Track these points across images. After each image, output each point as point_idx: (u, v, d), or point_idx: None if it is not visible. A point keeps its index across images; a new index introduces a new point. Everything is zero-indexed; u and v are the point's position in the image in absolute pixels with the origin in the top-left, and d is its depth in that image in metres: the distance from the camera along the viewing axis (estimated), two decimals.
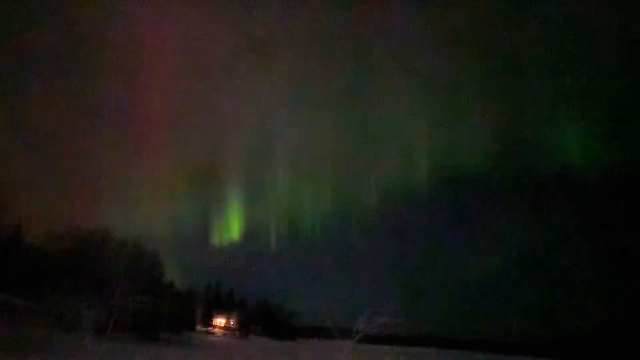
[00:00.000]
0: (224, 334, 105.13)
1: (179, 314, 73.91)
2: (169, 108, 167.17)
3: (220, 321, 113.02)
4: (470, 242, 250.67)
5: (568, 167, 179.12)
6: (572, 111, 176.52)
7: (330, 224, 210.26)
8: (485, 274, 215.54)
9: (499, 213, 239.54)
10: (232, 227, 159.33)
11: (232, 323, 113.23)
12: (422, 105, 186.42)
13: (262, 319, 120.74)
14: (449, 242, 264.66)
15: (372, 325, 12.36)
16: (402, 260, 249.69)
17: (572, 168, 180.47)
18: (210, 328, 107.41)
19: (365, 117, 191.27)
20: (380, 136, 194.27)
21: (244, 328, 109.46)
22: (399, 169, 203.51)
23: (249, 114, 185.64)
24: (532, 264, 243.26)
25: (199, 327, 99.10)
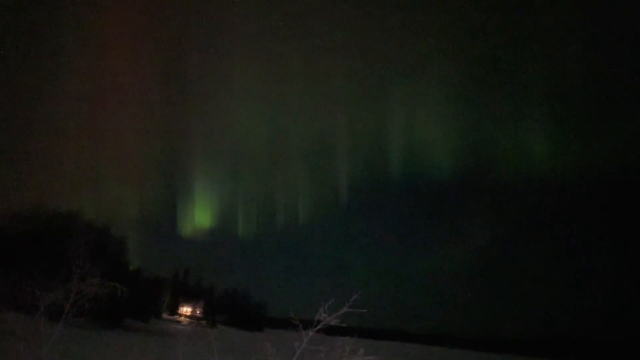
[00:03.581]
0: (191, 323, 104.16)
1: (144, 301, 72.76)
2: (139, 94, 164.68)
3: (187, 310, 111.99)
4: (439, 239, 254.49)
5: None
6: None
7: (301, 215, 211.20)
8: (452, 271, 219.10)
9: (466, 211, 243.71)
10: (202, 215, 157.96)
11: (198, 312, 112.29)
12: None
13: (230, 309, 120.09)
14: (418, 237, 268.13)
15: (334, 316, 12.14)
16: (372, 253, 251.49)
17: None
18: (176, 316, 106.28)
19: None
20: (346, 132, 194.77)
21: (211, 317, 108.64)
22: (370, 165, 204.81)
23: (221, 103, 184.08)
24: (498, 262, 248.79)
25: (165, 315, 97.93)
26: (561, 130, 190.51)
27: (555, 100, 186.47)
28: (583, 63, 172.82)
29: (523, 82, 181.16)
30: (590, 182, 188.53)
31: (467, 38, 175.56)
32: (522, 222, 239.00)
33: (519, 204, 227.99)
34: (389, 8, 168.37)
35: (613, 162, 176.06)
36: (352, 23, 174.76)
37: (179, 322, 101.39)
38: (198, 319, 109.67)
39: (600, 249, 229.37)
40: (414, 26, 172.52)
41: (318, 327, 11.81)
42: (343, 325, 12.03)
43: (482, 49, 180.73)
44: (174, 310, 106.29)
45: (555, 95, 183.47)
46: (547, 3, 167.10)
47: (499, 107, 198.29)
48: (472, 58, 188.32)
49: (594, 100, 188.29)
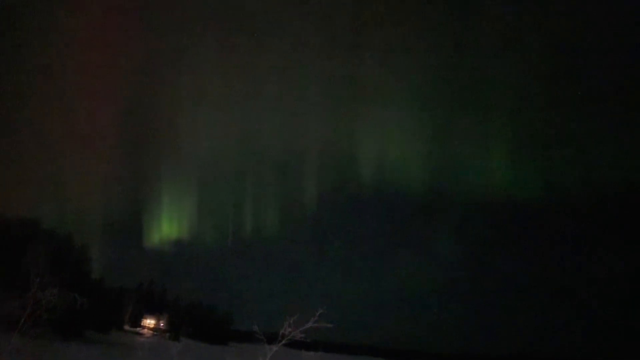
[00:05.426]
0: (153, 335, 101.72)
1: (106, 312, 70.86)
2: (106, 103, 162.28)
3: (150, 322, 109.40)
4: (407, 255, 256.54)
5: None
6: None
7: (268, 229, 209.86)
8: (420, 286, 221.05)
9: (435, 228, 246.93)
10: (168, 226, 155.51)
11: (162, 324, 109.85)
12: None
13: (194, 322, 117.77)
14: (385, 253, 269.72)
15: (299, 330, 12.14)
16: (340, 267, 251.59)
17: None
18: (139, 328, 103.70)
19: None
20: (317, 149, 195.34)
21: (174, 330, 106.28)
22: (339, 182, 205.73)
23: (190, 115, 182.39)
24: (465, 278, 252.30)
25: (127, 327, 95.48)
26: (525, 152, 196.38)
27: (520, 124, 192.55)
28: (547, 89, 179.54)
29: (490, 107, 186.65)
30: (553, 200, 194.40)
31: (438, 62, 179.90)
32: (488, 239, 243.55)
33: (485, 221, 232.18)
34: (362, 28, 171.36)
35: (576, 183, 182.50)
36: (325, 41, 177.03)
37: (141, 334, 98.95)
38: (161, 331, 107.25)
39: (566, 265, 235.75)
40: (386, 47, 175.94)
41: (282, 341, 11.79)
42: (307, 340, 12.03)
43: (453, 72, 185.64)
44: (136, 322, 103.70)
45: (520, 120, 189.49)
46: (515, 31, 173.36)
47: (467, 130, 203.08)
48: (443, 80, 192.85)
49: (557, 124, 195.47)
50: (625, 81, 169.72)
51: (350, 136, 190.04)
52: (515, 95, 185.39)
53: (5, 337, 20.99)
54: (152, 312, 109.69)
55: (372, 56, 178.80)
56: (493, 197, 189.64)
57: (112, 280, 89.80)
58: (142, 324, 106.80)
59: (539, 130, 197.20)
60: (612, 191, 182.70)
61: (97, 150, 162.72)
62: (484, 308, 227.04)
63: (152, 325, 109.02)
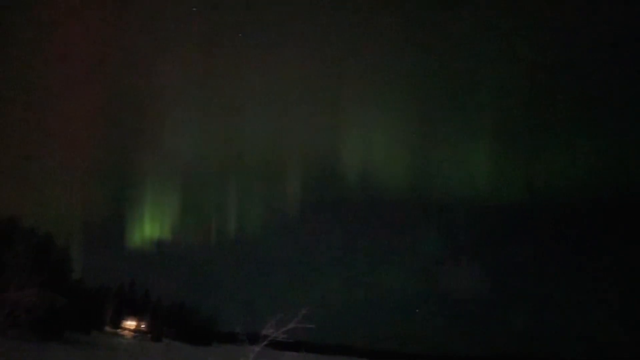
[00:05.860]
0: (135, 336, 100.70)
1: (86, 312, 69.97)
2: (87, 100, 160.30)
3: (131, 322, 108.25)
4: (389, 255, 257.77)
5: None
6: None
7: (251, 229, 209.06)
8: (402, 287, 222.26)
9: (416, 229, 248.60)
10: (151, 226, 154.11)
11: (143, 325, 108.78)
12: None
13: (177, 323, 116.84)
14: (368, 253, 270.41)
15: (281, 331, 12.11)
16: (321, 267, 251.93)
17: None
18: (120, 329, 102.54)
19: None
20: (301, 148, 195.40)
21: (156, 331, 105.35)
22: (322, 182, 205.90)
23: (173, 114, 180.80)
24: (447, 279, 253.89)
25: (108, 328, 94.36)
26: (506, 153, 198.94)
27: (502, 125, 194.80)
28: (528, 88, 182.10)
29: (471, 108, 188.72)
30: (534, 202, 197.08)
31: (419, 61, 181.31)
32: (473, 240, 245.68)
33: (471, 223, 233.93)
34: (343, 31, 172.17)
35: (557, 184, 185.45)
36: (307, 43, 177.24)
37: (122, 335, 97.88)
38: (143, 332, 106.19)
39: (545, 268, 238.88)
40: (367, 49, 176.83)
41: (265, 342, 11.78)
42: (290, 341, 12.03)
43: (433, 72, 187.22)
44: (117, 323, 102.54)
45: (502, 120, 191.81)
46: (500, 31, 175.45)
47: (448, 130, 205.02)
48: (424, 82, 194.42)
49: (538, 125, 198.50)
50: (616, 81, 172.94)
51: (334, 138, 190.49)
52: (502, 96, 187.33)
53: None
54: (133, 313, 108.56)
55: (357, 58, 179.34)
56: (480, 199, 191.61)
57: (92, 281, 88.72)
58: (123, 325, 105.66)
59: (528, 131, 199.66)
60: (602, 193, 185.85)
61: (78, 149, 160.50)
62: (469, 309, 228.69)
63: (133, 327, 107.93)
